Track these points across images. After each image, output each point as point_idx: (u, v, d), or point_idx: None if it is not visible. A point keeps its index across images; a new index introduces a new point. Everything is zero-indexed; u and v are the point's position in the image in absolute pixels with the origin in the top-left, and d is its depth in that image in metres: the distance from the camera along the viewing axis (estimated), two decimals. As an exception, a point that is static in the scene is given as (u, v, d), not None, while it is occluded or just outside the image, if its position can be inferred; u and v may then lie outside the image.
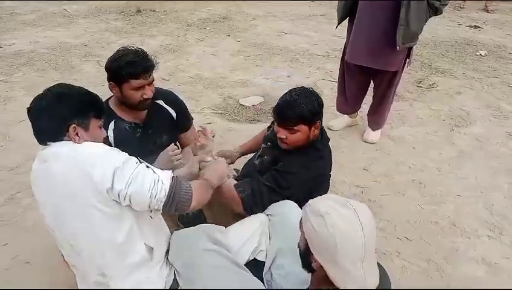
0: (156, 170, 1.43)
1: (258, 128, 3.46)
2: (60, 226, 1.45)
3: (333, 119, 3.51)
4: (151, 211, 1.45)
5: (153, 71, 1.93)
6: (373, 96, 3.28)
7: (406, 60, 3.01)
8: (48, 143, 1.40)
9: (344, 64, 3.18)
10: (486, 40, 5.72)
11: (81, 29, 5.80)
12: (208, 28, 6.04)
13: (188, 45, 5.40)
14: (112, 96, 2.02)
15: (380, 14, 2.75)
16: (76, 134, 1.40)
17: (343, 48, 3.19)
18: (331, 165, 2.09)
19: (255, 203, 1.84)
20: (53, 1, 6.95)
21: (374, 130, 3.34)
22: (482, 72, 4.68)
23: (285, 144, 1.92)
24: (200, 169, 1.79)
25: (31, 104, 1.42)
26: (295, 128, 1.86)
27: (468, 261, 2.27)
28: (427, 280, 2.14)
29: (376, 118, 3.29)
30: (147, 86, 1.92)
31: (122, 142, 1.95)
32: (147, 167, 1.41)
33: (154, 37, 5.61)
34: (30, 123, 1.41)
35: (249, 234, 1.73)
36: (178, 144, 2.31)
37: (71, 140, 1.40)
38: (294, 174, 1.89)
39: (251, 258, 1.70)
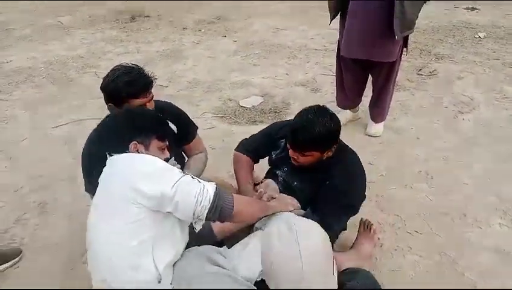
0: (199, 180, 1.51)
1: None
2: (90, 219, 1.55)
3: (335, 115, 3.47)
4: (195, 222, 1.52)
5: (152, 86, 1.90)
6: (372, 89, 3.24)
7: (403, 49, 2.97)
8: (112, 154, 1.57)
9: (340, 60, 3.14)
10: (485, 22, 5.65)
11: (77, 41, 5.79)
12: (203, 30, 6.01)
13: (184, 48, 5.37)
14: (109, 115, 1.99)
15: (373, 5, 2.71)
16: (137, 150, 1.58)
17: (337, 43, 3.16)
18: None
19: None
20: (47, 14, 6.96)
21: (376, 123, 3.30)
22: (482, 55, 4.62)
23: (297, 162, 1.96)
24: None
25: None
26: (306, 153, 1.86)
27: (481, 251, 2.24)
28: (439, 274, 2.12)
29: (377, 110, 3.26)
30: (147, 104, 1.89)
31: None
32: (192, 177, 1.50)
33: (150, 44, 5.59)
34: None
35: (253, 255, 1.70)
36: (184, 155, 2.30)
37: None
38: (352, 186, 1.97)
39: (258, 279, 1.66)
